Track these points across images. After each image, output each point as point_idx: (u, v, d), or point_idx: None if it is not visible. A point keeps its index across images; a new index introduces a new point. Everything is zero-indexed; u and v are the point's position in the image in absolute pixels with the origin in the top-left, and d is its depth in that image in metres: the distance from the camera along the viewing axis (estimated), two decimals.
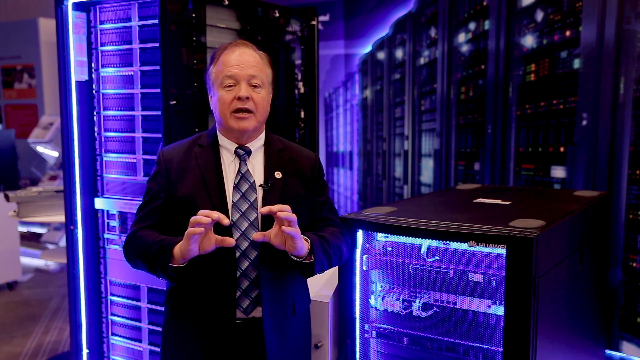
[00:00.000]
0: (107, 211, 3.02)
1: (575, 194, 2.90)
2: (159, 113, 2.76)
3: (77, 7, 2.92)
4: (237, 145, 1.97)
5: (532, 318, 1.91)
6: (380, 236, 2.25)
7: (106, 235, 3.04)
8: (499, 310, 2.02)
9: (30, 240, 6.85)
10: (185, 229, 1.91)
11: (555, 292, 2.16)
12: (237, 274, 1.91)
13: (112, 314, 3.08)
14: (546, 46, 3.83)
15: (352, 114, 5.19)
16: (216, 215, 1.73)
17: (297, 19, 3.44)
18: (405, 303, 2.20)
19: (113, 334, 3.09)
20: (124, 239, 2.90)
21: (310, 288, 2.18)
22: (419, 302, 2.17)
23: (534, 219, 2.09)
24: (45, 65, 7.12)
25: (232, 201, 1.91)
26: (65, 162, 3.01)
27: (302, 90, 3.51)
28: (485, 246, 1.97)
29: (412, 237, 2.14)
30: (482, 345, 2.07)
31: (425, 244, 2.15)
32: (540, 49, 3.87)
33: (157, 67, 2.73)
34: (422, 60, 4.62)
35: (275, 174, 1.97)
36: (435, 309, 2.15)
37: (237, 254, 1.90)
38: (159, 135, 2.78)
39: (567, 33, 3.73)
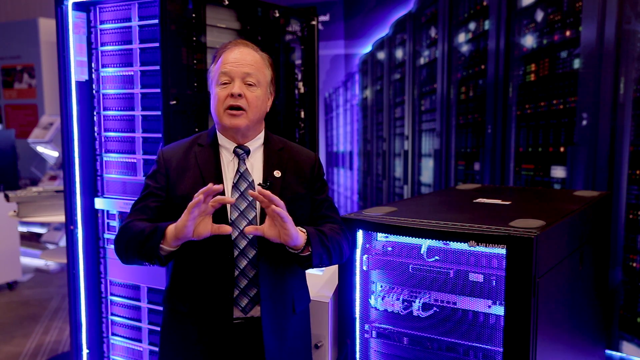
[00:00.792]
0: (107, 211, 3.02)
1: (575, 194, 2.90)
2: (159, 113, 2.76)
3: (77, 7, 2.92)
4: (236, 145, 1.97)
5: (532, 318, 1.91)
6: (380, 236, 2.25)
7: (106, 235, 3.04)
8: (499, 310, 2.02)
9: (30, 240, 6.85)
10: None
11: (555, 292, 2.16)
12: (235, 272, 1.91)
13: (112, 314, 3.08)
14: (546, 46, 3.83)
15: (352, 114, 5.19)
16: (210, 187, 1.71)
17: (297, 19, 3.44)
18: (405, 303, 2.20)
19: (113, 334, 3.09)
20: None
21: (310, 288, 2.18)
22: (419, 302, 2.17)
23: (534, 219, 2.09)
24: (45, 65, 7.12)
25: None
26: (65, 162, 3.01)
27: (302, 90, 3.51)
28: (485, 246, 1.97)
29: (412, 237, 2.14)
30: (482, 345, 2.07)
31: (425, 244, 2.15)
32: (540, 49, 3.87)
33: (157, 67, 2.73)
34: (422, 60, 4.62)
35: (275, 173, 1.97)
36: (435, 309, 2.15)
37: (236, 253, 1.90)
38: (159, 135, 2.78)
39: (567, 33, 3.73)
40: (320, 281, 2.55)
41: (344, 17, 5.11)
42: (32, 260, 6.48)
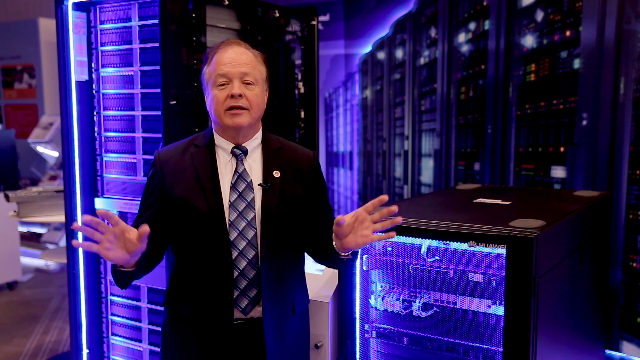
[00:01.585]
0: None
1: (575, 194, 2.90)
2: (159, 113, 2.76)
3: (77, 7, 2.92)
4: (234, 145, 1.96)
5: (532, 318, 1.91)
6: None
7: None
8: (499, 310, 2.02)
9: (30, 240, 6.85)
10: (183, 231, 1.91)
11: (555, 292, 2.16)
12: (234, 273, 1.90)
13: (112, 314, 3.08)
14: (546, 46, 3.83)
15: (352, 114, 5.19)
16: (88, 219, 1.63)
17: (297, 19, 3.44)
18: (405, 303, 2.20)
19: (113, 334, 3.09)
20: None
21: (310, 288, 2.18)
22: (419, 302, 2.17)
23: (534, 219, 2.09)
24: (45, 65, 7.12)
25: (230, 201, 1.90)
26: (65, 162, 3.01)
27: (302, 90, 3.51)
28: (485, 246, 1.97)
29: (412, 237, 2.14)
30: (482, 345, 2.07)
31: (425, 244, 2.15)
32: (540, 49, 3.87)
33: (157, 67, 2.73)
34: (422, 60, 4.62)
35: (274, 173, 1.97)
36: (435, 309, 2.15)
37: (235, 254, 1.90)
38: (159, 135, 2.78)
39: (567, 33, 3.73)
40: (320, 281, 2.55)
41: (344, 17, 5.11)
42: (32, 260, 6.48)
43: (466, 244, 2.01)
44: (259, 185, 1.94)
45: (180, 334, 1.98)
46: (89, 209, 3.02)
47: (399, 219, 1.73)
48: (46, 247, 6.29)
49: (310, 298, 2.19)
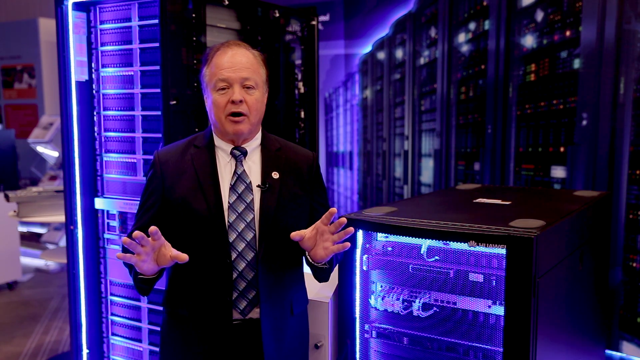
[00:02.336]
0: (107, 211, 3.02)
1: (575, 194, 2.90)
2: (159, 113, 2.76)
3: (77, 7, 2.92)
4: (233, 146, 1.96)
5: (532, 318, 1.91)
6: (380, 236, 2.25)
7: (106, 235, 3.04)
8: (499, 310, 2.02)
9: (30, 240, 6.85)
10: (182, 232, 1.91)
11: (555, 292, 2.16)
12: (233, 275, 1.90)
13: (112, 314, 3.08)
14: (546, 46, 3.83)
15: (352, 114, 5.19)
16: (139, 234, 1.69)
17: (297, 19, 3.44)
18: (405, 303, 2.20)
19: (113, 334, 3.09)
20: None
21: (310, 288, 2.18)
22: (419, 302, 2.17)
23: (534, 219, 2.09)
24: (45, 65, 7.13)
25: (229, 202, 1.90)
26: (65, 162, 3.01)
27: (302, 90, 3.51)
28: (485, 246, 1.97)
29: (412, 237, 2.14)
30: (482, 345, 2.07)
31: (425, 244, 2.15)
32: (540, 49, 3.87)
33: (157, 67, 2.73)
34: (422, 60, 4.62)
35: (273, 174, 1.96)
36: (435, 309, 2.15)
37: (234, 256, 1.90)
38: (159, 135, 2.78)
39: (567, 33, 3.73)
40: None
41: (344, 17, 5.11)
42: (32, 260, 6.48)
43: (466, 244, 2.01)
44: (258, 186, 1.93)
45: (179, 334, 1.98)
46: (89, 209, 3.02)
47: (350, 230, 1.77)
48: (46, 247, 6.29)
49: (310, 298, 2.19)
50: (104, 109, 2.98)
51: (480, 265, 2.05)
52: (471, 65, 4.25)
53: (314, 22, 3.52)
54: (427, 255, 2.15)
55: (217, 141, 1.98)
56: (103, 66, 2.96)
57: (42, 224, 6.62)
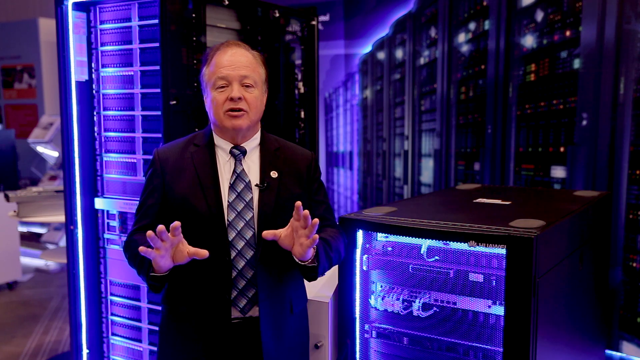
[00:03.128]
0: (107, 211, 3.02)
1: (575, 194, 2.90)
2: (159, 113, 2.76)
3: (77, 7, 2.92)
4: (233, 145, 1.97)
5: (532, 318, 1.91)
6: (380, 236, 2.25)
7: (106, 235, 3.04)
8: (499, 310, 2.02)
9: (30, 240, 6.85)
10: (182, 230, 1.91)
11: (555, 292, 2.16)
12: (233, 273, 1.91)
13: (112, 314, 3.08)
14: (546, 46, 3.83)
15: (352, 114, 5.19)
16: (163, 228, 1.71)
17: (297, 19, 3.44)
18: (405, 303, 2.20)
19: (113, 334, 3.09)
20: (124, 239, 2.91)
21: (310, 288, 2.18)
22: (419, 302, 2.17)
23: (534, 219, 2.09)
24: (45, 65, 7.12)
25: (228, 201, 1.91)
26: (65, 162, 3.01)
27: (302, 90, 3.51)
28: (485, 246, 1.97)
29: (412, 237, 2.14)
30: (482, 345, 2.07)
31: (425, 244, 2.15)
32: (540, 49, 3.87)
33: (157, 67, 2.73)
34: (422, 60, 4.62)
35: (271, 173, 1.97)
36: (435, 309, 2.15)
37: (233, 254, 1.90)
38: (159, 135, 2.78)
39: (567, 33, 3.73)
40: (320, 281, 2.55)
41: (344, 17, 5.11)
42: (32, 260, 6.48)
43: (466, 244, 2.01)
44: (256, 185, 1.94)
45: (177, 332, 1.98)
46: (89, 209, 3.02)
47: (315, 221, 1.76)
48: (46, 247, 6.29)
49: (310, 298, 2.20)
50: (104, 109, 2.98)
51: (480, 265, 2.05)
52: (471, 65, 4.25)
53: (314, 22, 3.52)
54: (427, 255, 2.15)
55: (217, 140, 1.98)
56: (103, 66, 2.96)
57: (42, 224, 6.62)
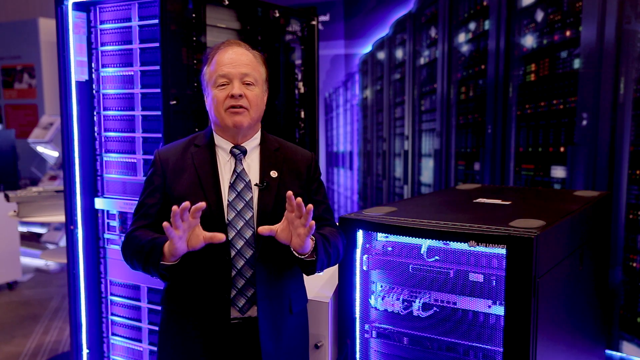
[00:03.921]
0: (107, 211, 3.02)
1: (575, 194, 2.90)
2: (159, 113, 2.76)
3: (77, 7, 2.92)
4: (233, 145, 1.97)
5: (532, 318, 1.91)
6: (380, 236, 2.25)
7: (106, 235, 3.04)
8: (499, 310, 2.02)
9: (30, 240, 6.85)
10: None
11: (555, 292, 2.16)
12: (232, 273, 1.91)
13: (112, 314, 3.08)
14: (546, 46, 3.83)
15: (352, 114, 5.19)
16: (187, 204, 1.71)
17: (297, 19, 3.44)
18: (405, 303, 2.20)
19: (113, 334, 3.09)
20: (123, 238, 2.91)
21: (310, 288, 2.18)
22: (419, 302, 2.17)
23: (534, 219, 2.09)
24: (45, 65, 7.12)
25: (228, 200, 1.91)
26: (65, 162, 3.01)
27: (302, 90, 3.51)
28: (485, 246, 1.97)
29: (412, 237, 2.14)
30: (482, 345, 2.07)
31: (425, 244, 2.15)
32: (540, 49, 3.87)
33: (157, 67, 2.73)
34: (422, 60, 4.62)
35: (271, 173, 1.98)
36: (435, 309, 2.15)
37: (233, 253, 1.91)
38: (159, 135, 2.78)
39: (567, 33, 3.73)
40: (320, 281, 2.55)
41: (344, 17, 5.11)
42: (32, 260, 6.48)
43: (466, 244, 2.01)
44: (256, 185, 1.94)
45: (177, 332, 1.98)
46: (89, 209, 3.02)
47: (310, 206, 1.75)
48: (46, 247, 6.29)
49: (310, 298, 2.19)
50: (104, 109, 2.98)
51: (480, 265, 2.05)
52: (471, 65, 4.25)
53: (314, 22, 3.52)
54: (427, 255, 2.15)
55: (217, 140, 1.99)
56: (103, 66, 2.96)
57: (42, 224, 6.62)
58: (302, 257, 1.86)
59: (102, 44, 2.95)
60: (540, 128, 3.90)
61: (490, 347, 2.05)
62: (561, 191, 3.28)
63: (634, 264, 3.59)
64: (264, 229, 1.81)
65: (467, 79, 4.30)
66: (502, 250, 1.96)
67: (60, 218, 3.86)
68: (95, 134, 3.01)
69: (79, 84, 2.97)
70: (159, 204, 1.96)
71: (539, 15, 3.86)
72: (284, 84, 3.34)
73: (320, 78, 4.20)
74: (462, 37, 4.31)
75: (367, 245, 2.28)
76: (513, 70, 4.00)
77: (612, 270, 3.61)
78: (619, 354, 3.70)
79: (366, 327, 2.31)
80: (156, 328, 2.89)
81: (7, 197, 4.10)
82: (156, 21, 2.71)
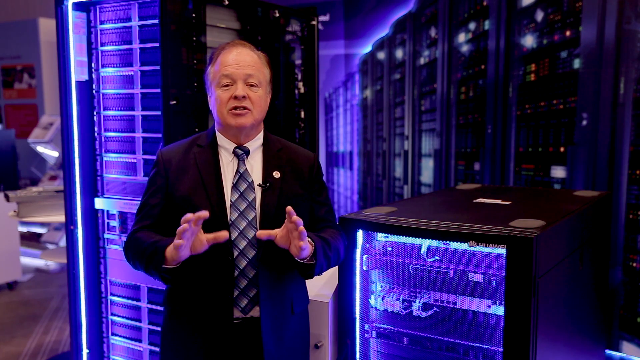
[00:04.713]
0: (107, 211, 3.02)
1: (575, 194, 2.90)
2: (159, 113, 2.76)
3: (77, 7, 2.92)
4: (236, 145, 1.97)
5: (532, 318, 1.91)
6: (380, 236, 2.25)
7: (106, 235, 3.04)
8: (499, 310, 2.02)
9: (30, 240, 6.85)
10: None
11: (555, 292, 2.16)
12: (235, 273, 1.91)
13: (112, 314, 3.08)
14: (546, 46, 3.83)
15: (352, 114, 5.19)
16: (193, 216, 1.71)
17: (297, 19, 3.44)
18: (405, 303, 2.20)
19: (113, 334, 3.09)
20: (124, 239, 2.91)
21: (310, 288, 2.18)
22: (419, 302, 2.17)
23: (534, 219, 2.09)
24: (45, 65, 7.12)
25: (231, 201, 1.91)
26: (65, 162, 3.01)
27: (302, 90, 3.51)
28: (485, 246, 1.97)
29: (412, 237, 2.14)
30: (482, 345, 2.07)
31: (425, 244, 2.15)
32: (540, 49, 3.87)
33: (157, 67, 2.73)
34: (422, 60, 4.62)
35: (274, 173, 1.98)
36: (435, 309, 2.15)
37: (235, 253, 1.91)
38: (159, 135, 2.78)
39: (567, 33, 3.73)
40: (320, 281, 2.55)
41: (344, 17, 5.11)
42: (32, 260, 6.48)
43: (466, 244, 2.01)
44: (259, 185, 1.94)
45: (179, 332, 1.98)
46: (89, 209, 3.02)
47: (297, 219, 1.75)
48: (46, 247, 6.29)
49: (310, 298, 2.20)
50: (104, 109, 2.98)
51: (480, 265, 2.05)
52: (471, 65, 4.25)
53: (314, 22, 3.52)
54: (427, 255, 2.15)
55: (220, 140, 1.99)
56: (103, 66, 2.96)
57: (42, 224, 6.62)
58: (302, 261, 1.86)
59: (102, 44, 2.95)
60: (540, 128, 3.90)
61: (490, 347, 2.05)
62: (561, 191, 3.28)
63: (634, 264, 3.59)
64: (262, 234, 1.82)
65: (467, 79, 4.30)
66: (502, 250, 1.96)
67: (60, 218, 3.86)
68: (95, 134, 3.01)
69: (79, 84, 2.97)
70: (161, 204, 1.96)
71: (539, 15, 3.86)
72: (284, 84, 3.34)
73: (320, 78, 4.20)
74: (462, 37, 4.31)
75: (367, 245, 2.28)
76: (513, 70, 4.00)
77: (612, 270, 3.61)
78: (619, 354, 3.70)
79: (366, 327, 2.31)
80: (156, 328, 2.89)
81: (7, 197, 4.10)
82: (156, 21, 2.71)
